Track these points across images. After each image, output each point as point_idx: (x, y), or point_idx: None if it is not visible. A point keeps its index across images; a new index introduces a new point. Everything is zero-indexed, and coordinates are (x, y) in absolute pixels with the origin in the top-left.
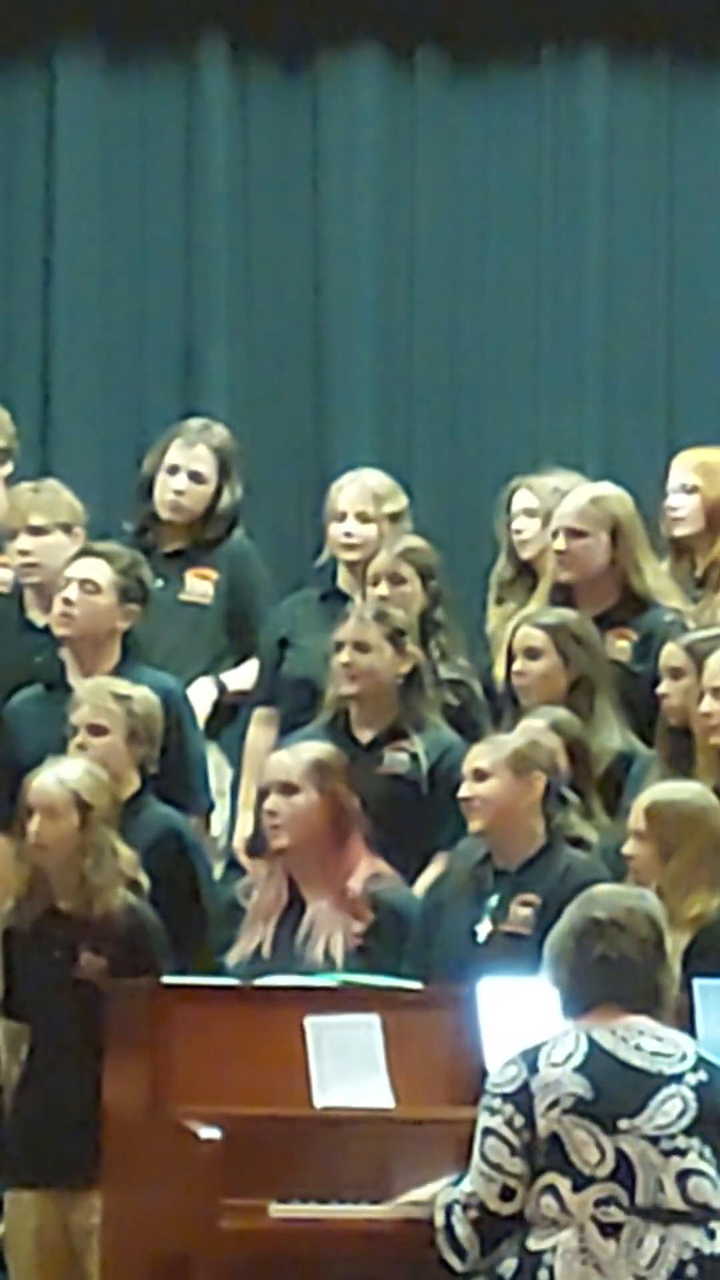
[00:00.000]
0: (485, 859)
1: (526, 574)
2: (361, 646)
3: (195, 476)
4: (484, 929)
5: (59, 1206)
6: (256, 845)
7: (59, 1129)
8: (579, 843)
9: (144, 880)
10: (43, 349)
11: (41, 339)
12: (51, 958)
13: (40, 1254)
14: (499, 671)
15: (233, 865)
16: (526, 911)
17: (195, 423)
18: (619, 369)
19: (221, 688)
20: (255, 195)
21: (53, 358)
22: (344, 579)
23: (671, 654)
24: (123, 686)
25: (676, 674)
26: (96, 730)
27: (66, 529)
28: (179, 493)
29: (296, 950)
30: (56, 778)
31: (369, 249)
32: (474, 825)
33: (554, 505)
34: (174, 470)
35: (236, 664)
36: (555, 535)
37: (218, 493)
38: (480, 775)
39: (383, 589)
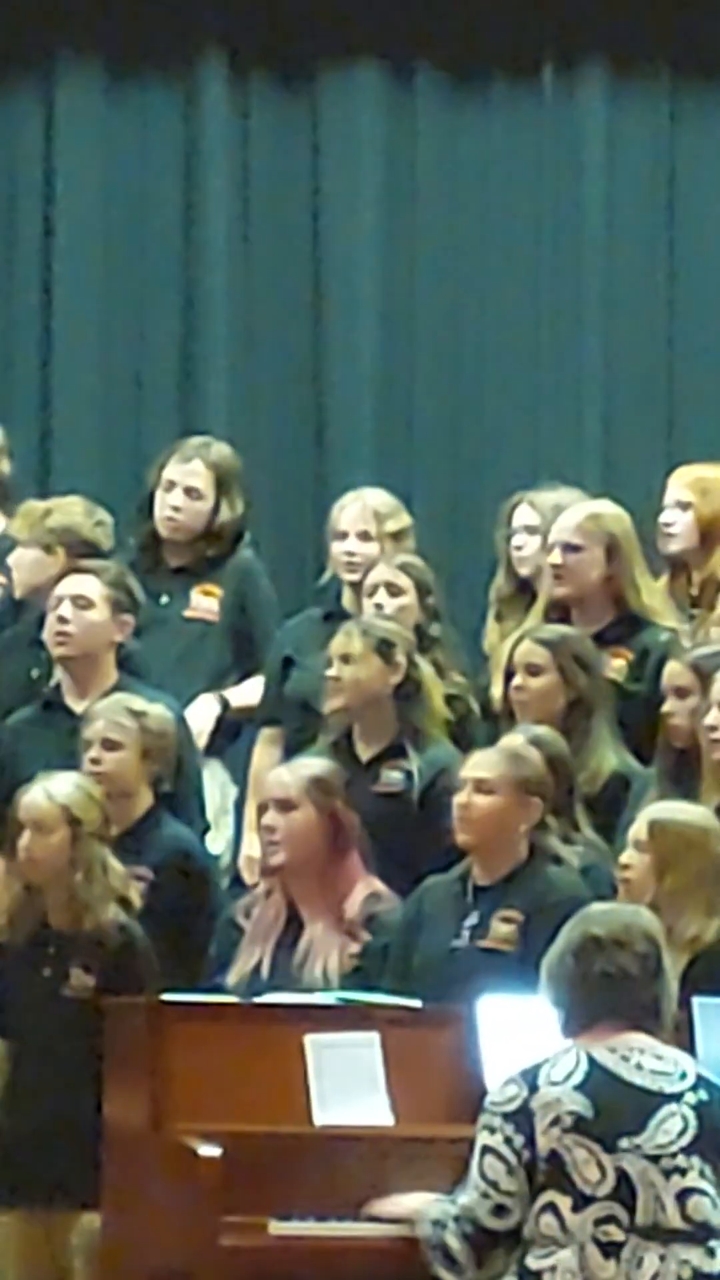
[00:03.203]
0: (463, 875)
1: (525, 591)
2: (346, 659)
3: (191, 492)
4: (463, 945)
5: (45, 1228)
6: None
7: (46, 1149)
8: (557, 862)
9: (135, 897)
10: (42, 370)
11: (41, 360)
12: (41, 974)
13: (26, 1277)
14: (496, 689)
15: (235, 883)
16: (509, 928)
17: (196, 440)
18: (619, 387)
19: (225, 704)
20: (255, 213)
21: (52, 379)
22: (348, 599)
23: (676, 672)
24: (139, 703)
25: (681, 693)
26: (110, 745)
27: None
28: (175, 509)
29: (294, 970)
30: (46, 793)
31: (369, 266)
32: (464, 838)
33: (554, 523)
34: (170, 486)
35: (240, 681)
36: (551, 550)
37: (216, 509)
38: (483, 787)
39: (380, 598)
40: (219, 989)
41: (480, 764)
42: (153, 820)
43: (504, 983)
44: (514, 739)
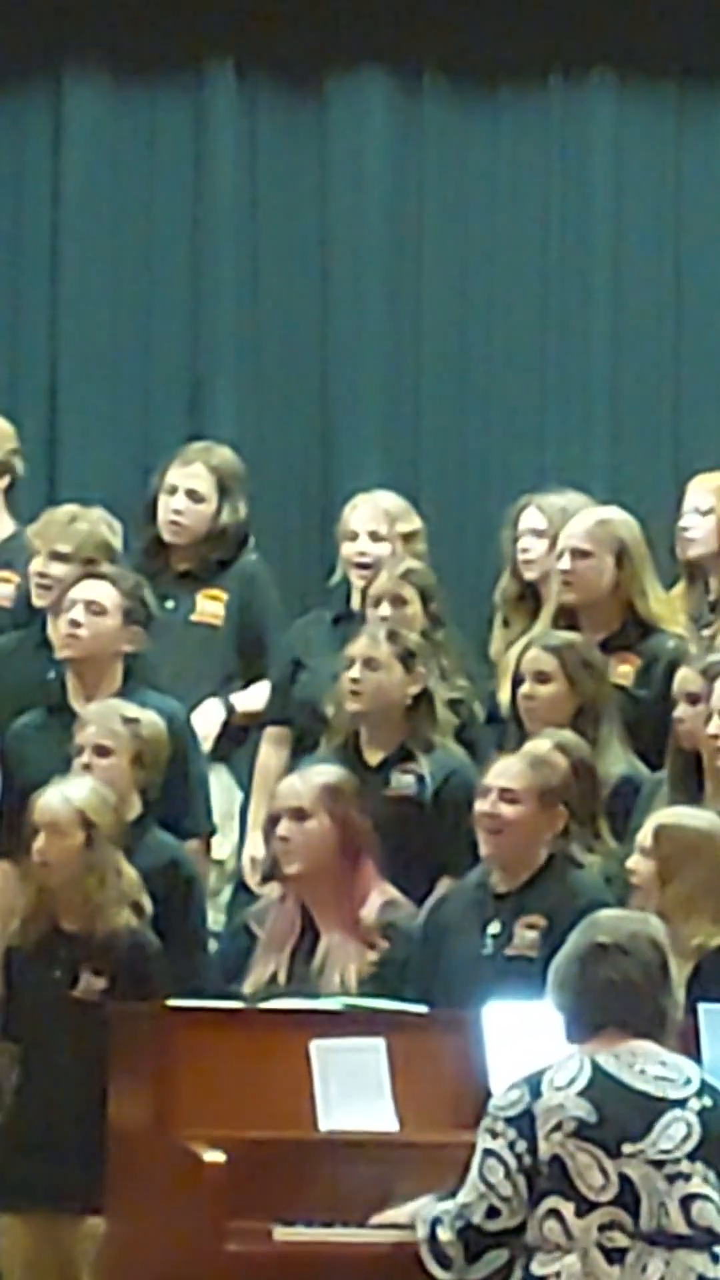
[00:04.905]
0: (482, 881)
1: (530, 595)
2: (371, 664)
3: (192, 495)
4: (490, 953)
5: (52, 1232)
6: (271, 869)
7: (53, 1153)
8: (577, 866)
9: (147, 903)
10: (49, 374)
11: (48, 364)
12: (51, 977)
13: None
14: (504, 695)
15: (240, 888)
16: (533, 934)
17: (198, 444)
18: (626, 395)
19: (230, 709)
20: (263, 220)
21: (59, 383)
22: (357, 601)
23: (687, 679)
24: (131, 709)
25: (693, 699)
26: (102, 751)
27: (90, 563)
28: (177, 512)
29: (312, 979)
30: (62, 796)
31: (376, 273)
32: (490, 848)
33: (562, 527)
34: (172, 490)
35: (246, 685)
36: (560, 555)
37: (219, 512)
38: (509, 797)
39: (384, 610)
40: (232, 996)
41: (506, 773)
42: (141, 827)
43: (531, 989)
44: (539, 744)
